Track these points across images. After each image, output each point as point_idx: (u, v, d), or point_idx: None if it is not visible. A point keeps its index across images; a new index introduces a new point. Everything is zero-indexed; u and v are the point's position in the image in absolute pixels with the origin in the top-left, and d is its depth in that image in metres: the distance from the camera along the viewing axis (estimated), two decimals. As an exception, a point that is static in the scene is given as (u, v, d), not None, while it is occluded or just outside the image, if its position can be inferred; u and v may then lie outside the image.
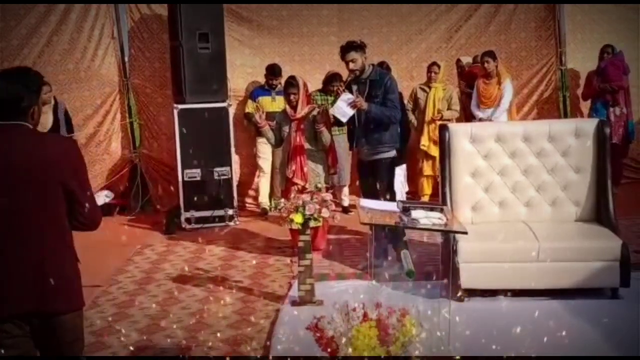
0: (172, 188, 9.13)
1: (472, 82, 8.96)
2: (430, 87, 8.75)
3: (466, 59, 9.30)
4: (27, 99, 2.99)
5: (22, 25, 8.82)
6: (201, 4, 8.21)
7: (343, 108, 6.39)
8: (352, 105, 6.34)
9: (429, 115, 8.69)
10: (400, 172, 7.81)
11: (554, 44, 9.68)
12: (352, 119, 6.53)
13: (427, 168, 8.84)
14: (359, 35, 6.73)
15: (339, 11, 9.55)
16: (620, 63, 8.95)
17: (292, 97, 6.74)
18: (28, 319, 3.01)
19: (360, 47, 6.41)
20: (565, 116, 9.58)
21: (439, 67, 8.73)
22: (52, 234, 3.02)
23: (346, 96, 6.39)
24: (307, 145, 6.74)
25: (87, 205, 3.07)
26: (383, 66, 8.10)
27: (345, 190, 8.84)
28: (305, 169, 6.71)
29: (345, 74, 7.40)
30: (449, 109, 8.68)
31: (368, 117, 6.38)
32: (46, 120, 7.77)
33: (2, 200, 2.91)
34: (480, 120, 8.54)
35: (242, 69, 9.47)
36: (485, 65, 8.56)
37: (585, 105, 9.59)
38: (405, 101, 8.67)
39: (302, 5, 9.51)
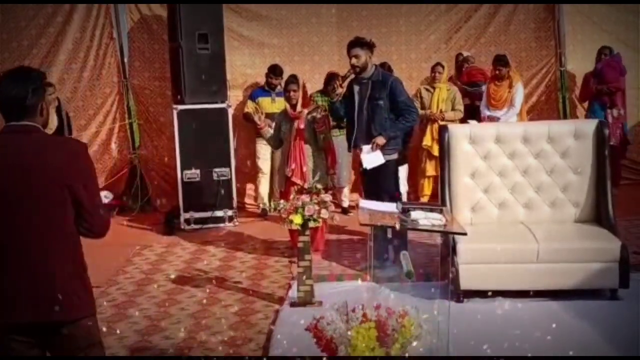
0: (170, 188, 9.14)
1: (470, 81, 8.98)
2: (434, 88, 8.74)
3: (466, 53, 9.30)
4: (31, 97, 2.96)
5: (32, 26, 8.98)
6: (201, 4, 8.20)
7: (372, 159, 6.34)
8: (374, 149, 6.30)
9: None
10: (402, 173, 7.79)
11: (554, 45, 9.69)
12: (351, 120, 6.51)
13: (429, 168, 8.81)
14: (358, 35, 6.74)
15: (339, 11, 9.55)
16: (617, 64, 8.94)
17: (292, 94, 6.73)
18: (38, 328, 2.94)
19: (367, 45, 6.39)
20: (565, 117, 9.58)
21: (443, 67, 8.73)
22: (59, 239, 2.95)
23: (365, 148, 6.35)
24: (307, 145, 6.74)
25: (94, 212, 3.00)
26: (385, 67, 8.09)
27: (345, 191, 8.84)
28: (304, 169, 6.71)
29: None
30: (453, 109, 8.68)
31: (368, 120, 6.36)
32: (51, 121, 7.77)
33: (8, 203, 2.87)
34: (489, 117, 8.52)
35: (242, 70, 9.48)
36: (497, 72, 8.54)
37: (583, 107, 9.58)
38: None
39: (302, 5, 9.51)
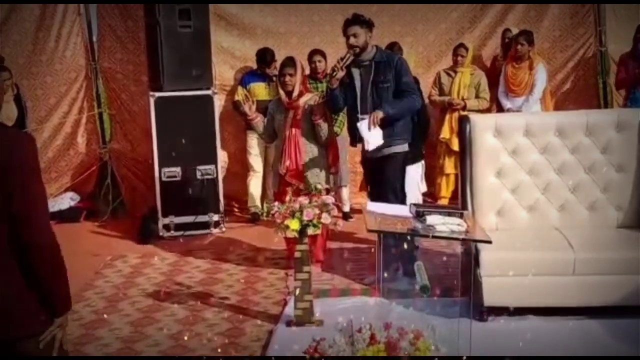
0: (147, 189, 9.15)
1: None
2: (456, 72, 8.77)
3: (515, 30, 9.22)
4: None
5: (-22, 1, 8.94)
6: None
7: (375, 138, 6.33)
8: (372, 124, 6.27)
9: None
10: (418, 170, 7.80)
11: (592, 21, 9.65)
12: (354, 108, 6.52)
13: (448, 165, 8.83)
14: (366, 13, 6.73)
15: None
16: None
17: (287, 78, 6.73)
18: None
19: (367, 23, 6.42)
20: (606, 106, 9.57)
21: (466, 49, 8.75)
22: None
23: (363, 125, 6.33)
24: (304, 140, 6.75)
25: (30, 220, 2.83)
26: (395, 48, 8.10)
27: (345, 191, 8.83)
28: (301, 167, 6.72)
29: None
30: (477, 96, 8.69)
31: (374, 107, 6.37)
32: (11, 111, 7.81)
33: None
34: (509, 110, 8.56)
35: (229, 53, 9.48)
36: (519, 47, 8.57)
37: (620, 95, 9.53)
38: (427, 89, 8.71)
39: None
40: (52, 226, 2.93)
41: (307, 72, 8.33)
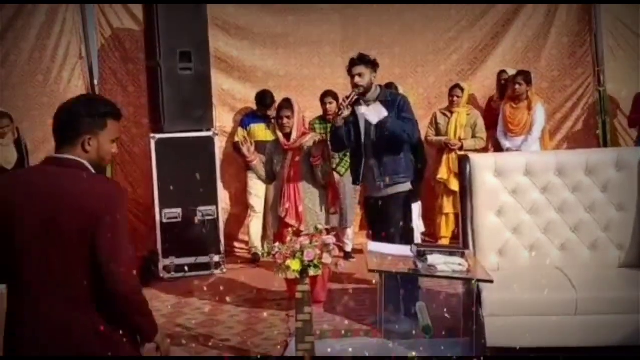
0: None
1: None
2: (452, 112, 8.82)
3: (512, 72, 9.31)
4: (82, 125, 3.06)
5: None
6: (184, 19, 8.25)
7: (376, 113, 6.36)
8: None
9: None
10: (416, 210, 7.82)
11: (590, 61, 9.73)
12: (357, 148, 6.55)
13: (447, 205, 8.86)
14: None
15: (343, 27, 9.62)
16: None
17: (285, 121, 6.77)
18: None
19: (372, 63, 6.47)
20: (605, 145, 9.59)
21: (462, 89, 8.81)
22: (77, 288, 3.00)
23: (361, 109, 6.41)
24: (303, 181, 6.77)
25: (115, 268, 2.98)
26: (391, 88, 8.16)
27: (349, 232, 8.84)
28: (300, 208, 6.72)
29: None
30: (473, 137, 8.73)
31: (382, 136, 6.37)
32: (10, 155, 7.85)
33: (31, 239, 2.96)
34: (509, 150, 8.59)
35: (230, 95, 9.55)
36: (517, 87, 8.64)
37: (630, 135, 9.56)
38: (425, 128, 8.76)
39: (301, 21, 9.60)
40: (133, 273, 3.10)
41: (320, 113, 8.44)
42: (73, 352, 3.00)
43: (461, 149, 8.57)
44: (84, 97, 3.18)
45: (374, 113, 6.36)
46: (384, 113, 6.34)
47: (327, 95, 8.54)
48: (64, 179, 3.02)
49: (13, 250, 2.99)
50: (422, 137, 8.60)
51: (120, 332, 3.10)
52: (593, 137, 9.75)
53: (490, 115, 9.07)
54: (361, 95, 6.47)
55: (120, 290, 2.99)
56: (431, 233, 9.08)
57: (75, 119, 3.06)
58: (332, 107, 8.35)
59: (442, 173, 8.80)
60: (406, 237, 6.43)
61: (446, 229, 8.94)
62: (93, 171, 3.10)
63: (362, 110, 6.39)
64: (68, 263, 2.97)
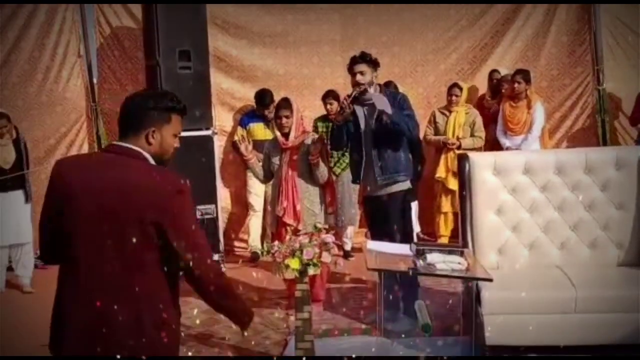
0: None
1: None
2: (450, 111, 8.82)
3: (504, 71, 9.35)
4: (147, 118, 3.14)
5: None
6: (183, 18, 8.25)
7: (381, 100, 6.40)
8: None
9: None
10: (413, 208, 7.82)
11: (590, 60, 9.73)
12: (357, 147, 6.55)
13: (445, 204, 8.87)
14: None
15: (343, 27, 9.62)
16: None
17: (284, 120, 6.78)
18: None
19: (373, 62, 6.47)
20: (605, 144, 9.60)
21: (460, 88, 8.82)
22: (137, 278, 3.05)
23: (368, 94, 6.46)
24: (301, 180, 6.77)
25: (197, 258, 3.09)
26: (390, 86, 8.16)
27: (350, 231, 8.85)
28: (298, 207, 6.73)
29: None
30: (472, 135, 8.74)
31: (382, 132, 6.38)
32: (8, 154, 7.85)
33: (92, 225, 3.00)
34: (508, 149, 8.60)
35: (229, 94, 9.57)
36: (516, 85, 8.65)
37: (630, 134, 9.57)
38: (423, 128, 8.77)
39: (300, 20, 9.60)
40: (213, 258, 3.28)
41: (321, 112, 8.44)
42: (139, 342, 3.03)
43: (459, 147, 8.58)
44: (152, 91, 3.32)
45: (380, 99, 6.37)
46: (388, 103, 6.35)
47: (328, 95, 8.54)
48: (128, 169, 3.09)
49: (69, 233, 3.03)
50: (421, 136, 8.64)
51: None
52: (592, 135, 9.76)
53: (482, 115, 9.06)
54: (362, 94, 6.48)
55: (206, 277, 3.13)
56: (430, 232, 9.09)
57: (142, 111, 3.15)
58: (332, 107, 8.35)
59: (440, 172, 8.81)
60: (405, 235, 6.44)
61: (445, 228, 8.95)
62: (153, 163, 3.18)
63: (370, 95, 6.38)
64: (124, 249, 3.01)
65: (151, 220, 3.00)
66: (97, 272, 3.01)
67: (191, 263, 3.06)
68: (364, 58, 6.47)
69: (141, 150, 3.14)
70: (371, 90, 6.47)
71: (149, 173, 3.11)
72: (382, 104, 6.30)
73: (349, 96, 6.41)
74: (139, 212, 3.00)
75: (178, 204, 3.09)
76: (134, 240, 2.98)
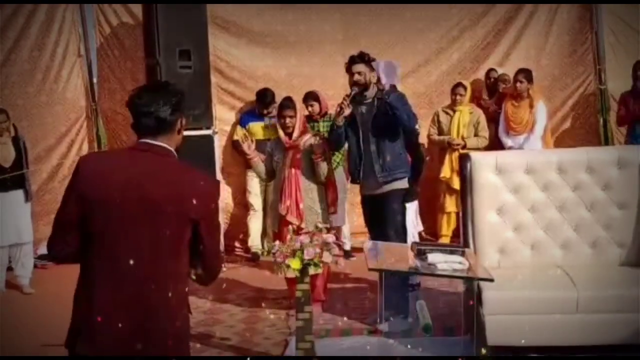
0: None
1: (501, 103, 9.01)
2: (454, 111, 8.82)
3: (500, 70, 9.35)
4: (171, 113, 3.15)
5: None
6: (183, 18, 8.25)
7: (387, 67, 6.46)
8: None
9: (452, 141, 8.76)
10: (413, 208, 7.82)
11: (592, 59, 9.74)
12: (356, 146, 6.55)
13: (449, 204, 8.85)
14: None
15: (345, 27, 9.61)
16: None
17: (287, 120, 6.78)
18: None
19: (370, 61, 6.48)
20: (606, 143, 9.61)
21: (465, 88, 8.80)
22: (170, 274, 3.13)
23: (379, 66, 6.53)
24: (303, 179, 6.77)
25: (214, 255, 3.28)
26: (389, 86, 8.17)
27: (345, 230, 8.83)
28: (301, 206, 6.72)
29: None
30: (476, 135, 8.73)
31: (381, 131, 6.39)
32: (7, 153, 7.84)
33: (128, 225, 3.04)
34: (511, 148, 8.59)
35: (229, 94, 9.56)
36: (518, 85, 8.65)
37: (621, 132, 9.55)
38: (427, 127, 8.77)
39: (301, 20, 9.59)
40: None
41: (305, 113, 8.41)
42: (164, 331, 3.20)
43: (464, 147, 8.57)
44: (172, 88, 3.27)
45: (387, 68, 6.41)
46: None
47: (308, 97, 8.48)
48: (167, 165, 3.14)
49: (102, 228, 3.04)
50: (424, 136, 8.65)
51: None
52: (594, 135, 9.76)
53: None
54: (359, 94, 6.48)
55: (213, 280, 3.37)
56: (432, 231, 9.08)
57: (173, 110, 3.16)
58: (314, 108, 8.36)
59: (445, 172, 8.79)
60: (402, 234, 6.44)
61: (447, 228, 8.94)
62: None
63: (379, 66, 6.44)
64: (159, 245, 3.05)
65: (190, 217, 3.07)
66: (136, 264, 3.04)
67: (211, 267, 3.27)
68: (362, 58, 6.48)
69: (171, 149, 3.18)
70: (370, 90, 6.48)
71: (190, 174, 3.19)
72: (389, 73, 6.36)
73: (347, 96, 6.41)
74: (180, 207, 3.04)
75: (215, 207, 3.21)
76: (168, 233, 3.04)
